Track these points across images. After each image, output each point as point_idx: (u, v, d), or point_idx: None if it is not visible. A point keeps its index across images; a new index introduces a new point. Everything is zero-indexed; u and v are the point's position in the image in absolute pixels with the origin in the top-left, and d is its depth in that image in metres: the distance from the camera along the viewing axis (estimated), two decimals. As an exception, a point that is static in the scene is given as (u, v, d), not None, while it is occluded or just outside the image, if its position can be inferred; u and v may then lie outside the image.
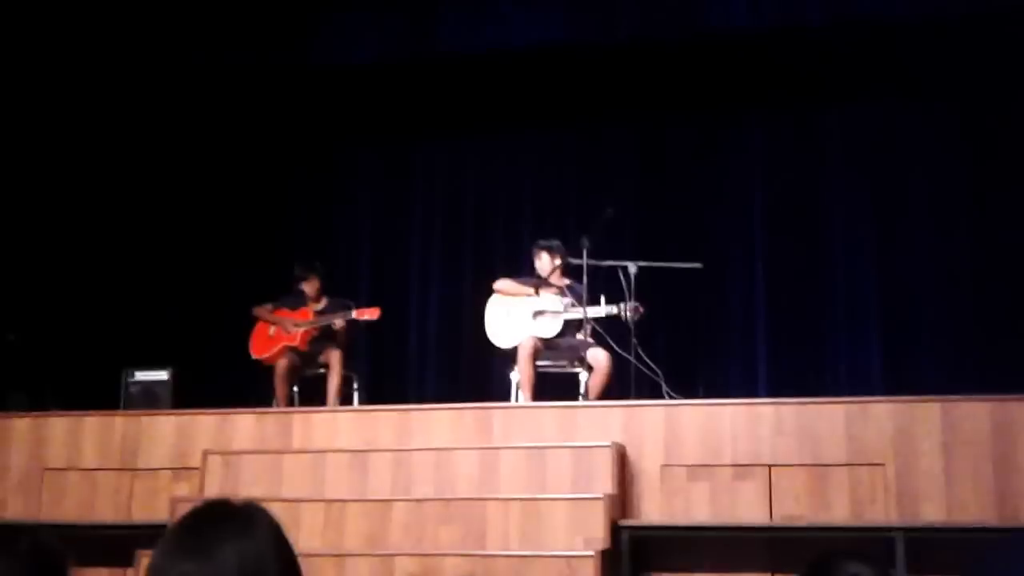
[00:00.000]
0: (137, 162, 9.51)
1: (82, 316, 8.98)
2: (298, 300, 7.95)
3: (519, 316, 7.37)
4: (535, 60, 8.78)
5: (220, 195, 9.68)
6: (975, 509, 5.64)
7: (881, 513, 5.77)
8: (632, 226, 8.99)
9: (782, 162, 9.13)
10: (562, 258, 7.45)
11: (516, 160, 9.79)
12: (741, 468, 5.98)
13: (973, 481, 5.72)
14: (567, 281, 7.45)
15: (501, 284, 7.55)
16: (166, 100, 9.24)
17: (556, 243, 7.52)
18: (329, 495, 6.04)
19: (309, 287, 7.93)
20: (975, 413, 5.86)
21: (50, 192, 9.01)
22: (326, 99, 9.32)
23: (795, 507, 5.87)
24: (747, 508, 5.92)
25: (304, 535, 5.59)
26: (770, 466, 5.96)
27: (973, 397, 6.00)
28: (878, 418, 5.94)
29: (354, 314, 7.72)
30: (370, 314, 7.69)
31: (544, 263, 7.52)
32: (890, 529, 5.48)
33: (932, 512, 5.72)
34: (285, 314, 7.88)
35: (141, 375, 7.91)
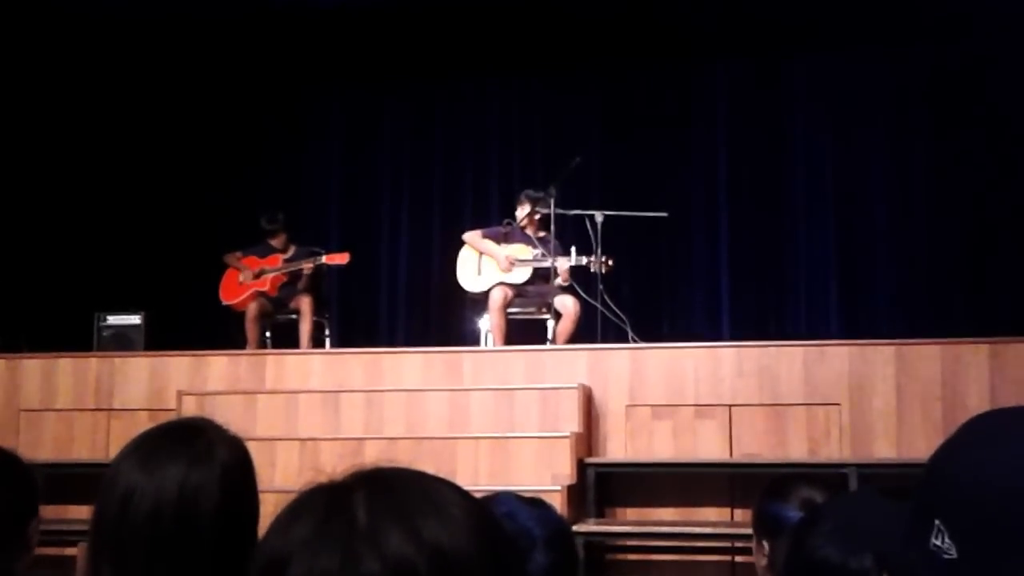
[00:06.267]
0: (108, 109, 9.48)
1: (54, 261, 8.98)
2: (266, 248, 8.02)
3: (490, 264, 7.49)
4: (500, 8, 8.82)
5: (190, 141, 9.66)
6: (924, 446, 5.83)
7: (836, 450, 6.00)
8: (598, 175, 9.08)
9: (745, 111, 9.23)
10: (534, 209, 7.50)
11: (483, 107, 9.83)
12: (703, 408, 6.18)
13: (923, 420, 5.95)
14: (541, 233, 7.55)
15: (470, 236, 7.63)
16: (135, 48, 9.20)
17: (541, 195, 7.51)
18: (303, 434, 6.18)
19: (276, 239, 8.00)
20: (927, 356, 6.08)
21: (21, 140, 8.99)
22: (293, 44, 9.29)
23: (754, 445, 6.09)
24: (708, 446, 6.13)
25: (280, 472, 5.75)
26: (730, 406, 6.17)
27: (925, 340, 6.24)
28: (834, 360, 6.15)
29: (324, 259, 7.81)
30: (340, 259, 7.78)
31: (523, 212, 7.56)
32: (844, 465, 5.70)
33: (884, 449, 5.96)
34: (254, 261, 7.95)
35: (113, 319, 7.94)
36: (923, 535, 1.01)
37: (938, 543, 0.99)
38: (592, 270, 7.14)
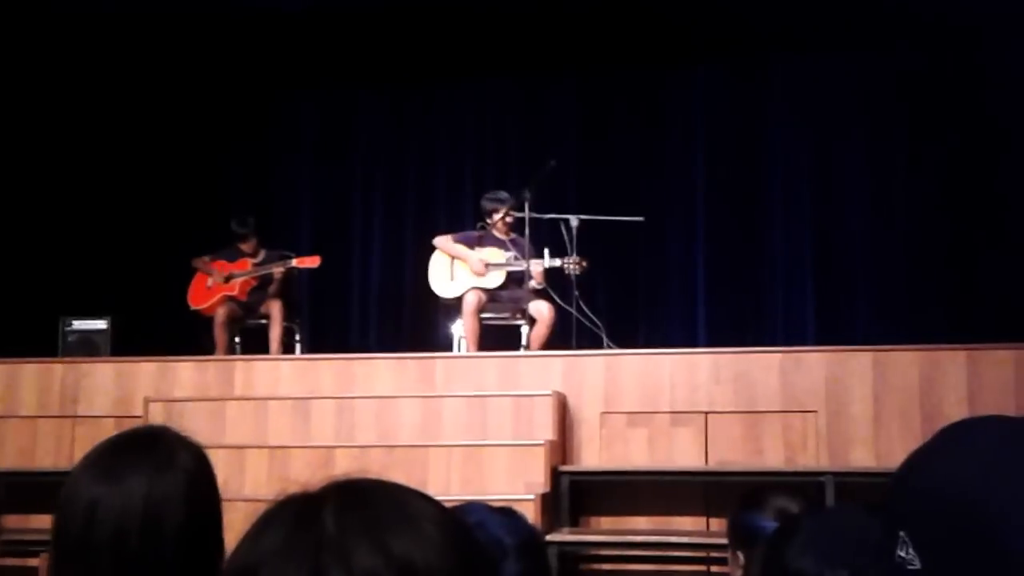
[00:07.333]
0: (75, 111, 9.34)
1: (18, 264, 8.83)
2: (236, 252, 7.91)
3: (462, 268, 7.40)
4: (476, 10, 8.74)
5: (159, 144, 9.53)
6: (902, 454, 5.64)
7: (813, 458, 5.95)
8: (574, 179, 9.02)
9: (723, 116, 9.17)
10: (507, 209, 7.44)
11: (458, 110, 9.73)
12: (678, 415, 6.12)
13: (901, 427, 5.91)
14: (512, 235, 7.48)
15: (440, 241, 7.54)
16: (103, 48, 9.06)
17: (503, 195, 7.50)
18: (272, 442, 6.08)
19: (246, 243, 7.88)
20: (904, 362, 6.05)
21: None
22: (264, 46, 9.16)
23: (730, 453, 6.03)
24: (683, 454, 6.07)
25: (249, 481, 5.66)
26: (706, 413, 6.11)
27: (903, 347, 6.20)
28: (811, 367, 6.11)
29: (294, 262, 7.72)
30: (310, 262, 7.69)
31: (495, 216, 7.48)
32: (820, 473, 5.64)
33: (861, 457, 5.92)
34: (223, 266, 7.84)
35: (79, 324, 7.81)
36: (891, 547, 1.01)
37: (903, 554, 1.00)
38: (566, 271, 7.07)
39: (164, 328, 7.96)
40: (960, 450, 1.03)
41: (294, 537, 0.86)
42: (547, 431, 5.94)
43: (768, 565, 1.66)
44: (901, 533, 1.01)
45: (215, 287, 7.75)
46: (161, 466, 1.63)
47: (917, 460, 1.06)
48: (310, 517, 0.86)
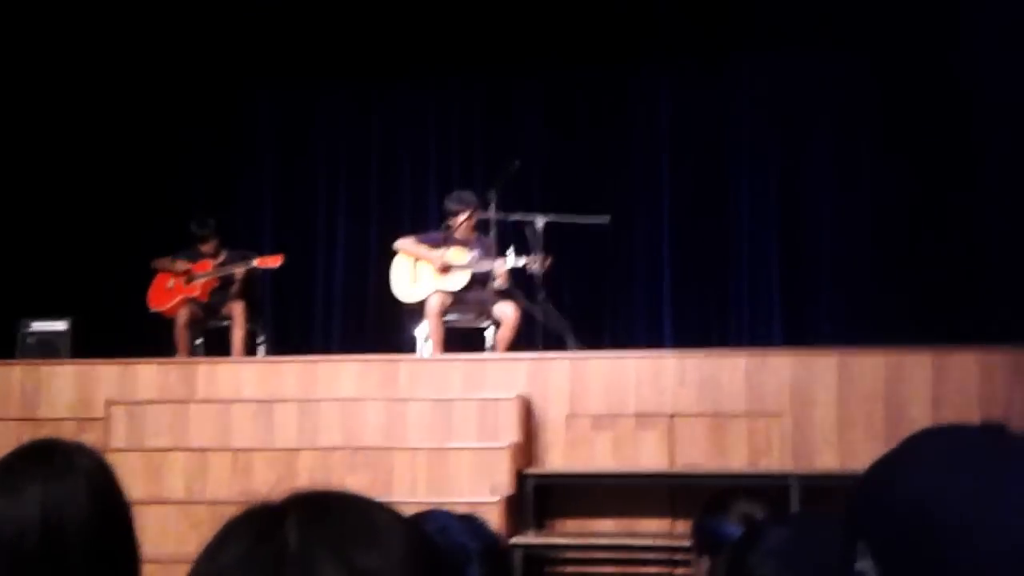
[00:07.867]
0: (31, 109, 9.19)
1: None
2: (197, 254, 7.80)
3: (425, 271, 7.34)
4: (438, 6, 8.70)
5: (119, 142, 9.39)
6: (867, 457, 5.68)
7: (777, 461, 5.97)
8: (538, 178, 8.99)
9: (689, 115, 9.15)
10: (472, 211, 7.39)
11: (422, 108, 9.66)
12: (644, 418, 6.12)
13: (866, 429, 5.93)
14: (475, 234, 7.44)
15: (402, 243, 7.48)
16: (61, 44, 8.94)
17: (467, 196, 7.46)
18: (235, 444, 6.04)
19: (207, 244, 7.78)
20: (870, 364, 6.08)
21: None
22: (225, 42, 9.04)
23: (695, 455, 6.04)
24: (649, 456, 6.07)
25: (212, 483, 5.61)
26: (672, 416, 6.11)
27: (868, 349, 6.24)
28: (777, 369, 6.13)
29: (256, 262, 7.63)
30: (272, 262, 7.62)
31: (460, 217, 7.45)
32: (785, 476, 5.67)
33: (826, 460, 5.94)
34: (184, 266, 7.75)
35: (38, 325, 7.67)
36: (851, 557, 1.01)
37: (862, 565, 0.99)
38: (529, 270, 7.03)
39: (125, 330, 7.86)
40: (920, 460, 1.02)
41: (255, 551, 0.84)
42: (512, 434, 5.94)
43: (732, 572, 1.66)
44: (860, 543, 1.00)
45: (176, 288, 7.65)
46: (59, 472, 1.60)
47: (878, 470, 1.06)
48: (272, 530, 0.84)
